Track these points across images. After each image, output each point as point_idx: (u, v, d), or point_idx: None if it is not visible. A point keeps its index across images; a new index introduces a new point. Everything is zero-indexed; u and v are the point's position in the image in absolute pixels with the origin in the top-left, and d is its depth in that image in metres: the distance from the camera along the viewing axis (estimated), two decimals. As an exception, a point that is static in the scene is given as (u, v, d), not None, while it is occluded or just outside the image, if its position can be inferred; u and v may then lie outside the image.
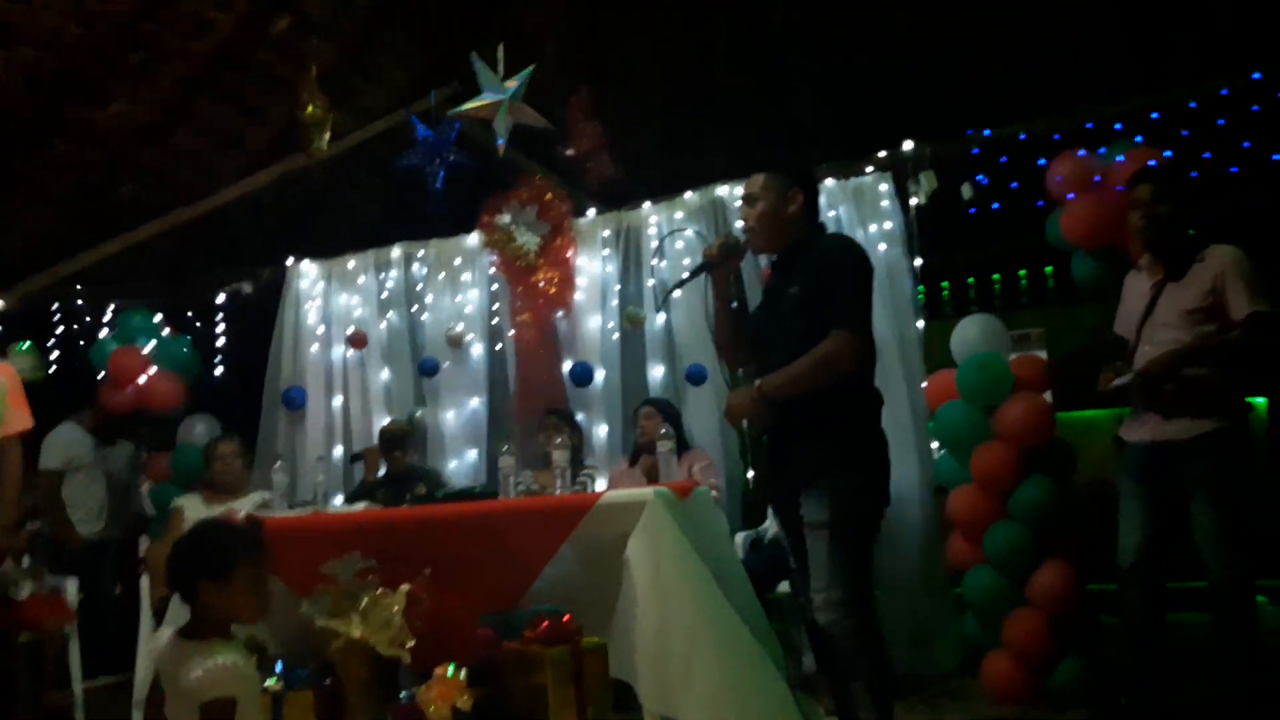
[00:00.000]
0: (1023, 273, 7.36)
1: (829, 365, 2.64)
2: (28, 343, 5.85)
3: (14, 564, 4.39)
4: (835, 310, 2.66)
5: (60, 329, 6.11)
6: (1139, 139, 4.10)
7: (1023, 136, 4.45)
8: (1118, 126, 4.25)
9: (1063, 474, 3.94)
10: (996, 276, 7.52)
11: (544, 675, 2.96)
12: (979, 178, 4.54)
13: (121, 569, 5.41)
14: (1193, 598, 3.42)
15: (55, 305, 6.06)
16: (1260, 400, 5.51)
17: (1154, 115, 4.18)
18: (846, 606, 2.58)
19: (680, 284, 3.21)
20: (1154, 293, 3.34)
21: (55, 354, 6.03)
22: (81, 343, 6.06)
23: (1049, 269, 6.94)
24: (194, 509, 4.74)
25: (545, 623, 3.08)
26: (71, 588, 4.72)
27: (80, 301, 6.01)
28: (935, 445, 4.36)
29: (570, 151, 5.11)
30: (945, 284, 7.46)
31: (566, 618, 3.12)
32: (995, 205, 4.51)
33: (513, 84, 4.74)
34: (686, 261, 4.65)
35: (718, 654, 3.16)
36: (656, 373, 5.05)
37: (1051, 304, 7.11)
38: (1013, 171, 4.50)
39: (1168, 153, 4.05)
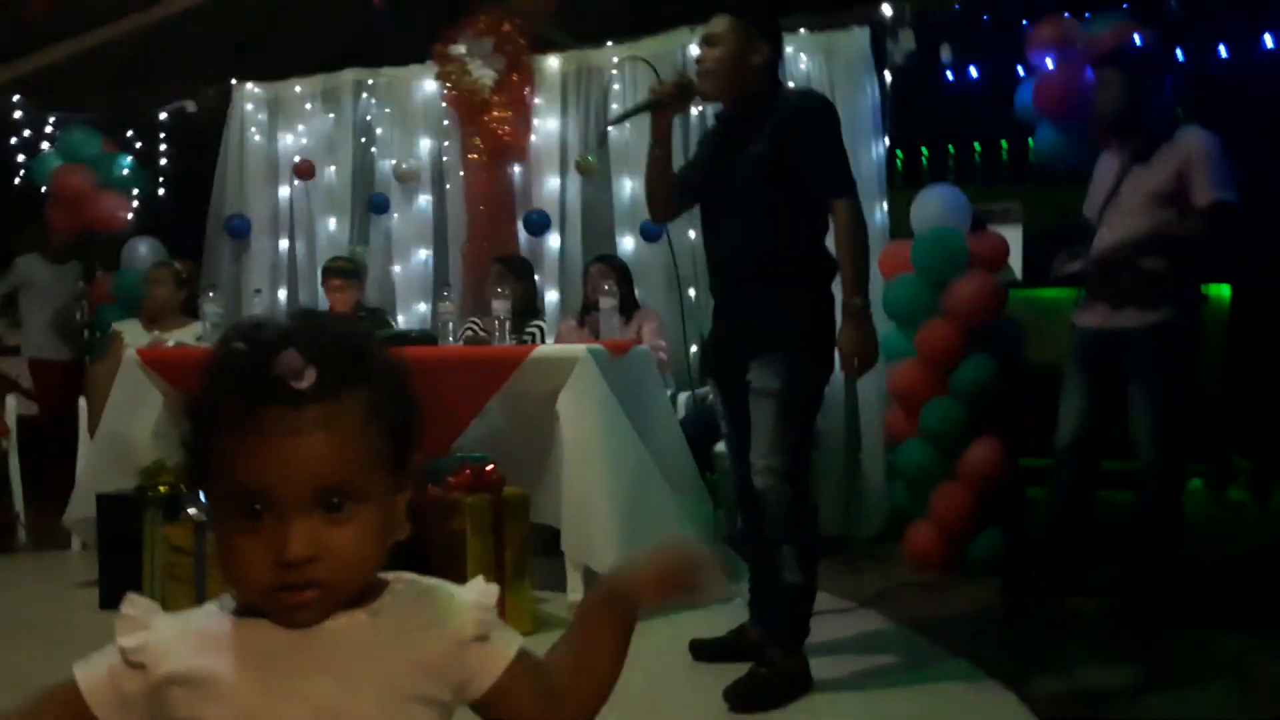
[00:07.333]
0: (1004, 144, 7.16)
1: (861, 238, 2.59)
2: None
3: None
4: (830, 178, 2.59)
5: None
6: (1126, 7, 3.88)
7: (1008, -5, 4.21)
8: (1110, -8, 4.02)
9: (1007, 353, 3.92)
10: (977, 146, 7.31)
11: (463, 521, 2.99)
12: (959, 41, 4.31)
13: (68, 389, 5.37)
14: (1129, 478, 3.44)
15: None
16: (1224, 287, 5.47)
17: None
18: (785, 474, 2.58)
19: (622, 118, 3.06)
20: (1119, 175, 3.23)
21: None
22: (21, 156, 5.81)
23: (1031, 141, 6.73)
24: (133, 335, 4.67)
25: (468, 470, 3.09)
26: (11, 404, 4.70)
27: (20, 113, 5.72)
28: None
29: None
30: (924, 149, 7.26)
31: (490, 467, 3.13)
32: (974, 71, 4.29)
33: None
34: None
35: (636, 512, 3.20)
36: (627, 243, 4.78)
37: (1033, 179, 6.95)
38: (996, 36, 4.26)
39: (1152, 30, 3.84)
